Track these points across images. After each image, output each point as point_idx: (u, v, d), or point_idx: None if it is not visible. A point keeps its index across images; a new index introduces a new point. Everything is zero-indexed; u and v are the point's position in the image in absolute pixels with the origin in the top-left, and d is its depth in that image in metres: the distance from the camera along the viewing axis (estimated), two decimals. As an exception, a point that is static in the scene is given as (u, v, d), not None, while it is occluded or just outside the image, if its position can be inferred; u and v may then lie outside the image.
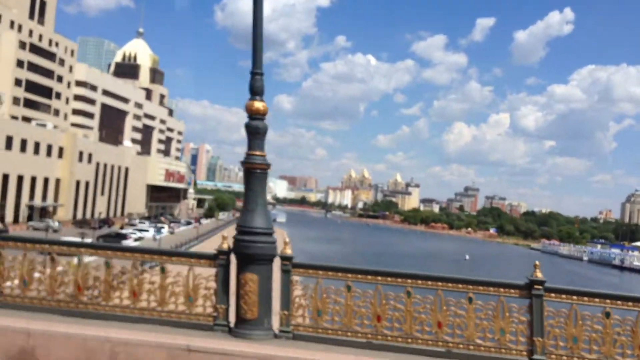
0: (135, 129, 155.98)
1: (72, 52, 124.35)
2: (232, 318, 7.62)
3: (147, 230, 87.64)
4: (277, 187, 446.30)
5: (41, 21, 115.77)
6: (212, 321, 7.56)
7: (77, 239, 38.30)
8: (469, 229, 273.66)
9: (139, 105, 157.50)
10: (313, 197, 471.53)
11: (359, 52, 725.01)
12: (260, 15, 7.88)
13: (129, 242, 69.48)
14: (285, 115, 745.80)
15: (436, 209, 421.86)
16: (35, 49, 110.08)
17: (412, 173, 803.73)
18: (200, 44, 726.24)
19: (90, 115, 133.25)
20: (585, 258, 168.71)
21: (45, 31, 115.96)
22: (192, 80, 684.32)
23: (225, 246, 7.51)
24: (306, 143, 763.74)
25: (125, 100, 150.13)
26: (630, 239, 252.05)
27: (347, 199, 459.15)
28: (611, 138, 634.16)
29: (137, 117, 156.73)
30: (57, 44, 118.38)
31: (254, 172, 7.53)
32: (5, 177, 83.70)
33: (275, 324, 7.55)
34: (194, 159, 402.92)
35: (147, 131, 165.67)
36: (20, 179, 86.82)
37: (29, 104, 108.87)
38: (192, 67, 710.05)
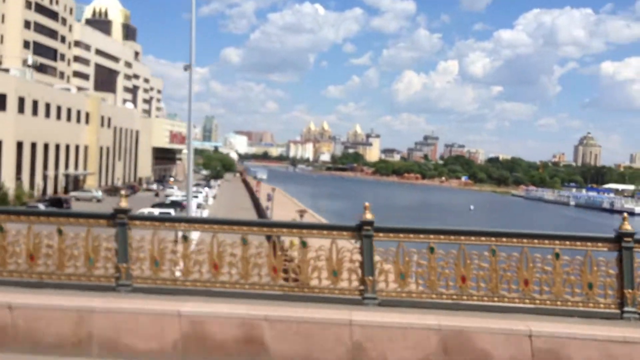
0: (126, 89, 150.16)
1: (71, 11, 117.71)
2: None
3: (196, 196, 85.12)
4: (237, 143, 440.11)
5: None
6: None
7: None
8: (443, 178, 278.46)
9: (128, 65, 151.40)
10: (274, 151, 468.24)
11: (307, 1, 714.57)
12: None
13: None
14: (233, 68, 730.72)
15: (397, 158, 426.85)
16: (40, 9, 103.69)
17: (363, 123, 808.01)
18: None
19: (86, 77, 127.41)
20: (572, 203, 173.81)
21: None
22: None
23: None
24: (256, 97, 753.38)
25: (116, 59, 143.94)
26: (597, 181, 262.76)
27: (308, 152, 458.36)
28: (556, 82, 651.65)
29: (127, 77, 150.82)
30: (57, 2, 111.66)
31: None
32: (46, 146, 79.74)
33: None
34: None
35: (134, 91, 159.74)
36: (57, 147, 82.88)
37: (37, 67, 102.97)
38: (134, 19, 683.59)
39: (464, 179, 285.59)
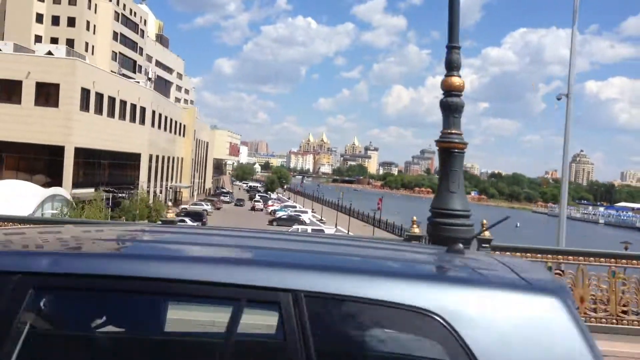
0: (176, 100, 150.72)
1: (145, 22, 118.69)
2: None
3: (305, 212, 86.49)
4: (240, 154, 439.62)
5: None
6: None
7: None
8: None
9: (179, 76, 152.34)
10: (275, 162, 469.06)
11: (300, 15, 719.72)
12: None
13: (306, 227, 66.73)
14: (226, 79, 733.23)
15: (395, 171, 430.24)
16: (124, 20, 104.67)
17: (352, 135, 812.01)
18: None
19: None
20: (602, 221, 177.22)
21: (128, 1, 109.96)
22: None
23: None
24: (247, 107, 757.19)
25: (170, 70, 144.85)
26: (606, 199, 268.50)
27: (308, 163, 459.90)
28: (540, 99, 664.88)
29: (178, 88, 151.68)
30: (134, 14, 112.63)
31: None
32: (163, 159, 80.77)
33: None
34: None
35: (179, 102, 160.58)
36: (167, 159, 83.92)
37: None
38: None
39: (473, 193, 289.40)
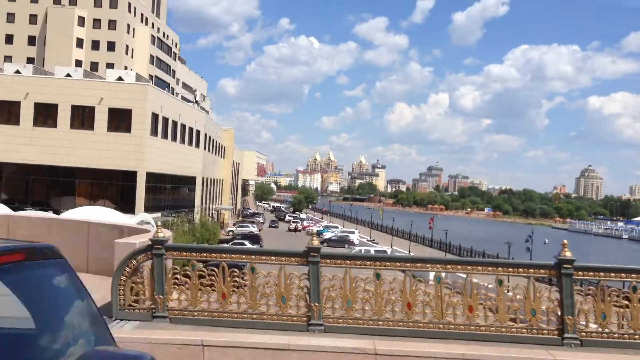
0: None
1: (176, 44, 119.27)
2: None
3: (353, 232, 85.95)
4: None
5: (158, 13, 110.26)
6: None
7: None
8: (468, 209, 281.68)
9: (203, 97, 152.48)
10: (283, 181, 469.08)
11: (302, 35, 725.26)
12: None
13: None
14: (229, 99, 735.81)
15: (403, 189, 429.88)
16: (159, 43, 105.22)
17: (355, 153, 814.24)
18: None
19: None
20: (625, 236, 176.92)
21: (161, 23, 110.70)
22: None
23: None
24: (251, 127, 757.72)
25: (192, 90, 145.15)
26: (621, 214, 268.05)
27: (316, 182, 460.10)
28: (543, 115, 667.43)
29: (201, 109, 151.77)
30: (167, 36, 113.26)
31: None
32: (212, 181, 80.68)
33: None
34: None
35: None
36: (214, 181, 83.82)
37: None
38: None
39: (487, 210, 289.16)
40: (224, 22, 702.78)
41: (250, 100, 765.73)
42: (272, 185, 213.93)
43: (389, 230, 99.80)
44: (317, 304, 8.24)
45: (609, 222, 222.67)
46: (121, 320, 9.10)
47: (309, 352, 7.36)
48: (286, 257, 8.71)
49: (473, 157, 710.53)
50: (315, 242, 8.44)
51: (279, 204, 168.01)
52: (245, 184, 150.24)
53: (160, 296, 8.99)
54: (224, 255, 9.23)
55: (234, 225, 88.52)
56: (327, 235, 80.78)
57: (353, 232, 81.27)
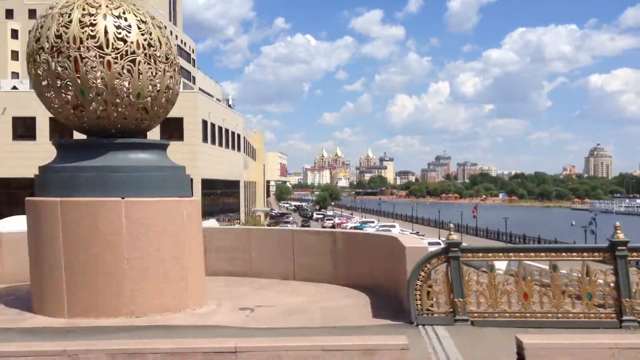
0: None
1: (194, 51, 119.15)
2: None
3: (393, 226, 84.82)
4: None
5: (175, 20, 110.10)
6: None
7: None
8: (483, 196, 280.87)
9: (218, 101, 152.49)
10: (292, 179, 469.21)
11: (298, 33, 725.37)
12: None
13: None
14: (230, 102, 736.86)
15: (412, 180, 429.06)
16: (180, 51, 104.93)
17: (360, 147, 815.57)
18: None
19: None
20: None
21: (179, 31, 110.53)
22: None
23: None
24: (253, 128, 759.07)
25: (211, 96, 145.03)
26: (637, 190, 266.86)
27: (325, 178, 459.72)
28: (545, 97, 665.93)
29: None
30: (185, 43, 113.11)
31: None
32: (250, 183, 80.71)
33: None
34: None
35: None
36: (250, 184, 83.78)
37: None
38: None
39: (501, 195, 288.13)
40: (220, 25, 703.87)
41: (251, 101, 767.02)
42: (288, 184, 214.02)
43: (431, 222, 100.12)
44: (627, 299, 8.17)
45: (627, 200, 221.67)
46: (424, 325, 8.96)
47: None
48: (588, 252, 8.61)
49: (477, 143, 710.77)
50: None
51: (299, 203, 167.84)
52: (267, 184, 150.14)
53: (460, 299, 8.86)
54: (521, 254, 9.10)
55: (269, 226, 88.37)
56: (369, 230, 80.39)
57: (394, 226, 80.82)
